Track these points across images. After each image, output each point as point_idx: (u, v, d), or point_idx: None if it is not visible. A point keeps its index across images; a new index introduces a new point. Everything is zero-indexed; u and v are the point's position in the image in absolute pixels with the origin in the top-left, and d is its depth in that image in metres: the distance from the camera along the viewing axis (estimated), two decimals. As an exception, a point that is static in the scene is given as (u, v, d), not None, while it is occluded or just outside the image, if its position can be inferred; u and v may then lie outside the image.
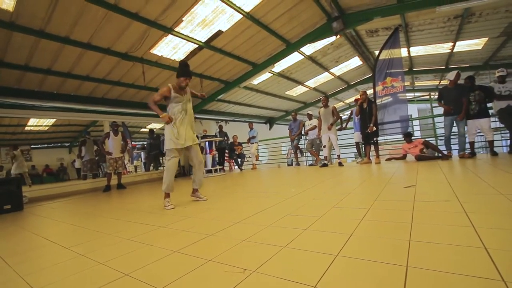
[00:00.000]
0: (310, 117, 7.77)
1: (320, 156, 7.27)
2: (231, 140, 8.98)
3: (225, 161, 9.26)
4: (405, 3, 5.16)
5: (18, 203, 4.37)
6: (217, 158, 8.43)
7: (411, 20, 6.31)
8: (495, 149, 4.92)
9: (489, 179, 2.66)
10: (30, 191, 5.73)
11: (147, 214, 2.78)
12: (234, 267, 1.22)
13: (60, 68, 5.57)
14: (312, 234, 1.56)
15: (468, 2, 4.66)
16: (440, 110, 5.58)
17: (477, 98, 4.79)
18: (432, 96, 13.71)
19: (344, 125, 6.99)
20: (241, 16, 5.29)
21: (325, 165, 6.18)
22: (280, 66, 8.17)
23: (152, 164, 9.13)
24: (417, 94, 14.66)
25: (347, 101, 14.97)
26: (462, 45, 7.48)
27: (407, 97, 8.19)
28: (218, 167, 8.01)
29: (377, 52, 6.47)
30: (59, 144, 14.91)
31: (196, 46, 5.98)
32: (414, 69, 10.12)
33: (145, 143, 10.31)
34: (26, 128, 11.03)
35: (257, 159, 8.97)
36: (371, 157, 6.05)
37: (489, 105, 4.97)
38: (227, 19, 5.34)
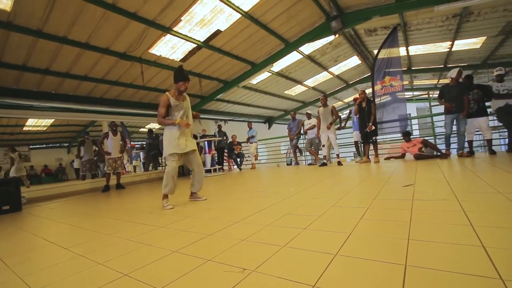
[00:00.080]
0: (309, 116, 7.77)
1: (319, 156, 7.28)
2: (230, 139, 8.98)
3: (224, 161, 9.26)
4: (403, 2, 5.16)
5: (17, 203, 4.35)
6: (216, 158, 8.42)
7: (410, 19, 6.32)
8: (493, 147, 4.93)
9: (488, 177, 2.67)
10: (29, 192, 5.71)
11: (146, 214, 2.77)
12: (233, 267, 1.22)
13: (58, 68, 5.55)
14: (311, 233, 1.56)
15: (466, 1, 4.66)
16: (439, 109, 5.60)
17: (476, 97, 4.80)
18: (430, 95, 13.75)
19: (343, 124, 6.99)
20: (239, 15, 5.28)
21: (324, 164, 6.18)
22: (279, 65, 8.17)
23: (151, 164, 9.12)
24: (415, 93, 14.70)
25: (346, 100, 14.98)
26: (461, 44, 7.49)
27: (406, 96, 8.21)
28: (217, 166, 8.01)
29: (375, 51, 6.47)
30: (57, 144, 14.88)
31: (195, 45, 5.97)
32: (412, 68, 10.13)
33: (144, 143, 10.31)
34: (25, 128, 11.00)
35: (256, 159, 8.97)
36: (370, 156, 6.06)
37: (487, 104, 4.98)
38: (225, 19, 5.33)
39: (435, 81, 11.88)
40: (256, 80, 8.84)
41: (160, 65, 6.42)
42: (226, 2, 4.82)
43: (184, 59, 6.48)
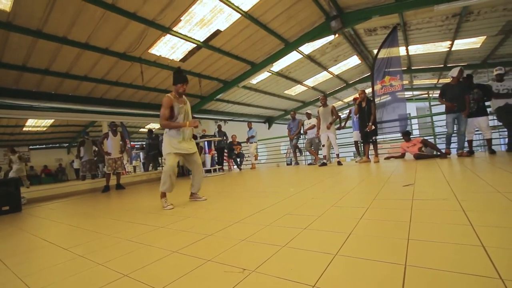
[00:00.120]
0: (309, 116, 7.77)
1: (319, 155, 7.28)
2: (230, 139, 8.98)
3: (224, 161, 9.26)
4: (403, 2, 5.16)
5: (17, 204, 4.35)
6: (216, 158, 8.42)
7: (409, 19, 6.32)
8: (493, 147, 4.93)
9: (487, 177, 2.67)
10: (29, 192, 5.71)
11: (146, 215, 2.77)
12: (233, 267, 1.22)
13: (58, 69, 5.54)
14: (311, 233, 1.56)
15: (466, 1, 4.66)
16: (439, 108, 5.58)
17: (475, 96, 4.79)
18: (430, 95, 13.75)
19: (343, 124, 7.00)
20: (239, 15, 5.28)
21: (324, 164, 6.18)
22: (278, 65, 8.17)
23: (151, 164, 9.12)
24: (415, 92, 14.71)
25: (346, 100, 14.98)
26: (460, 44, 7.49)
27: (406, 96, 8.21)
28: (217, 167, 8.01)
29: (375, 51, 6.47)
30: (57, 145, 14.88)
31: (195, 45, 5.96)
32: (412, 68, 10.13)
33: (144, 143, 10.31)
34: (24, 128, 11.00)
35: (256, 159, 8.97)
36: (370, 156, 6.06)
37: (487, 103, 4.98)
38: (225, 19, 5.33)
39: (435, 81, 11.88)
40: (256, 80, 8.84)
41: (160, 65, 6.42)
42: (226, 2, 4.81)
43: (184, 59, 6.48)
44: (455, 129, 4.98)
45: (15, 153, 7.49)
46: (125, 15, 4.52)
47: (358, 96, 5.93)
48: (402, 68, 6.92)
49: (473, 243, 1.17)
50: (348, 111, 8.07)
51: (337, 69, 9.99)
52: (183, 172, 9.09)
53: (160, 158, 9.01)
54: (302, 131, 7.82)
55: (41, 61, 5.17)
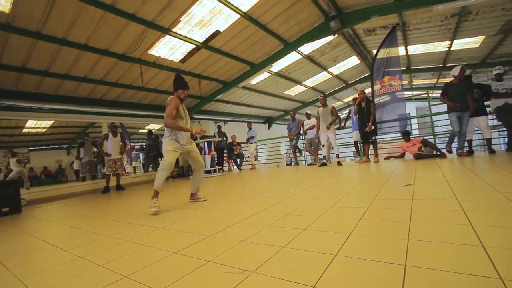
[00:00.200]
0: (308, 116, 7.78)
1: (319, 156, 7.28)
2: (230, 140, 8.98)
3: (224, 161, 9.26)
4: (402, 2, 5.16)
5: (16, 205, 4.35)
6: (216, 159, 8.43)
7: (409, 19, 6.33)
8: (492, 147, 4.93)
9: (487, 177, 2.67)
10: (29, 193, 5.70)
11: (146, 216, 2.77)
12: (233, 268, 1.22)
13: (58, 70, 5.55)
14: (311, 234, 1.56)
15: (465, 1, 4.66)
16: (438, 108, 5.57)
17: (475, 96, 4.79)
18: (430, 95, 13.76)
19: (342, 124, 7.00)
20: (238, 16, 5.29)
21: (324, 164, 6.18)
22: (278, 65, 8.17)
23: (151, 165, 9.12)
24: (415, 92, 14.71)
25: (346, 100, 14.99)
26: (460, 43, 7.50)
27: (405, 96, 8.19)
28: (217, 167, 8.01)
29: (375, 51, 6.48)
30: (57, 146, 14.86)
31: (194, 46, 5.97)
32: (412, 68, 10.14)
33: (144, 144, 10.30)
34: (24, 130, 10.98)
35: (256, 159, 8.97)
36: (369, 156, 6.06)
37: (486, 103, 4.98)
38: (224, 19, 5.33)
39: (434, 81, 11.88)
40: (255, 80, 8.84)
41: (160, 66, 6.42)
42: (225, 2, 4.82)
43: (183, 60, 6.49)
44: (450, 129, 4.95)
45: (15, 156, 7.49)
46: (124, 16, 4.52)
47: (357, 96, 5.94)
48: (402, 68, 6.93)
49: (473, 243, 1.17)
50: (347, 111, 8.09)
51: (336, 69, 10.00)
52: (183, 172, 9.09)
53: (160, 159, 9.01)
54: (301, 132, 7.82)
55: (40, 62, 5.17)
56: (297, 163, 7.92)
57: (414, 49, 8.21)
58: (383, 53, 6.00)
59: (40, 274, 1.48)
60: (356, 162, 6.38)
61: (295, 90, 11.15)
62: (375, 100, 5.99)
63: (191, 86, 7.42)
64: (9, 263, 1.73)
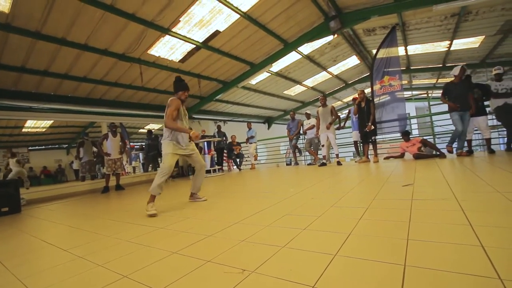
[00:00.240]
0: (308, 116, 7.78)
1: (318, 156, 7.28)
2: (229, 140, 8.98)
3: (224, 161, 9.26)
4: (402, 2, 5.16)
5: (16, 205, 4.35)
6: (215, 158, 8.42)
7: (408, 19, 6.33)
8: (492, 146, 4.94)
9: (487, 177, 2.67)
10: (28, 193, 5.70)
11: (145, 216, 2.75)
12: (233, 268, 1.22)
13: (57, 70, 5.54)
14: (310, 233, 1.56)
15: (464, 1, 4.67)
16: (438, 108, 5.56)
17: (475, 96, 4.79)
18: (429, 95, 13.77)
19: (342, 124, 7.00)
20: (238, 16, 5.28)
21: (323, 164, 6.18)
22: (278, 65, 8.17)
23: (150, 165, 9.11)
24: (414, 92, 14.73)
25: (345, 100, 15.00)
26: (459, 43, 7.51)
27: (405, 96, 8.19)
28: (216, 167, 8.01)
29: (374, 51, 6.48)
30: (57, 146, 14.85)
31: (194, 46, 5.96)
32: (411, 68, 10.15)
33: (143, 143, 10.30)
34: (24, 129, 10.97)
35: (255, 159, 8.97)
36: (369, 156, 6.07)
37: (486, 103, 4.99)
38: (224, 19, 5.33)
39: (434, 81, 11.89)
40: (255, 80, 8.84)
41: (159, 66, 6.42)
42: (225, 2, 4.82)
43: (183, 60, 6.48)
44: (451, 129, 4.92)
45: (14, 156, 7.49)
46: (124, 16, 4.52)
47: (357, 96, 5.94)
48: (401, 68, 6.92)
49: (473, 243, 1.17)
50: (347, 111, 8.09)
51: (336, 69, 10.00)
52: (183, 173, 9.09)
53: (159, 159, 9.00)
54: (301, 131, 7.83)
55: (40, 62, 5.17)
56: (296, 163, 7.92)
57: (414, 49, 8.22)
58: (382, 53, 6.01)
59: (40, 274, 1.48)
60: (355, 162, 6.39)
61: (295, 90, 11.16)
62: (374, 100, 6.00)
63: (190, 86, 7.40)
64: (9, 263, 1.73)
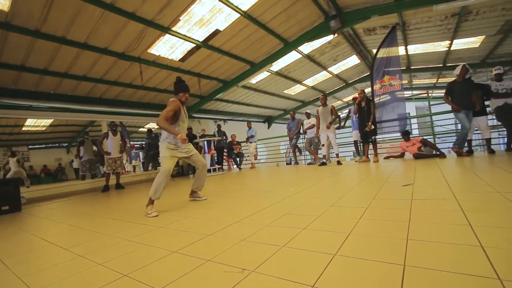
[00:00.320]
0: (308, 116, 7.77)
1: (318, 155, 7.28)
2: (229, 139, 8.97)
3: (224, 160, 9.26)
4: (402, 2, 5.16)
5: (16, 204, 4.35)
6: (215, 158, 8.42)
7: (409, 19, 6.33)
8: (492, 147, 4.93)
9: (487, 177, 2.68)
10: (28, 192, 5.70)
11: (145, 215, 2.77)
12: (232, 267, 1.22)
13: (57, 68, 5.54)
14: (310, 233, 1.56)
15: (465, 1, 4.66)
16: (438, 108, 5.53)
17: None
18: (430, 94, 13.76)
19: (342, 123, 7.00)
20: (238, 15, 5.28)
21: (323, 163, 6.19)
22: (278, 65, 8.17)
23: (150, 164, 9.12)
24: (415, 92, 14.71)
25: (345, 99, 14.99)
26: (460, 43, 7.50)
27: (405, 95, 8.19)
28: (216, 166, 8.01)
29: (374, 51, 6.47)
30: (57, 144, 14.86)
31: (194, 45, 5.96)
32: (412, 67, 10.14)
33: (143, 142, 10.30)
34: (24, 128, 10.98)
35: (255, 158, 8.97)
36: (369, 156, 6.07)
37: (486, 103, 4.98)
38: (224, 18, 5.32)
39: (434, 80, 11.89)
40: (255, 79, 8.84)
41: (159, 65, 6.42)
42: (225, 1, 4.81)
43: (183, 59, 6.48)
44: (451, 129, 4.90)
45: (14, 156, 7.49)
46: (124, 15, 4.51)
47: (357, 95, 5.94)
48: (402, 68, 6.93)
49: (472, 243, 1.17)
50: (347, 110, 8.09)
51: (336, 68, 10.00)
52: (183, 172, 9.09)
53: (159, 158, 9.00)
54: (301, 131, 7.83)
55: (40, 61, 5.16)
56: (296, 163, 7.93)
57: (414, 48, 8.21)
58: (383, 53, 6.00)
59: (40, 273, 1.48)
60: (355, 161, 6.39)
61: (295, 90, 11.15)
62: (375, 99, 5.99)
63: (190, 85, 7.42)
64: (9, 261, 1.73)
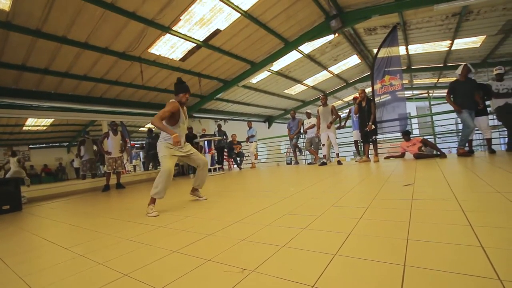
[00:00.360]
0: (308, 115, 7.77)
1: (319, 155, 7.28)
2: (230, 139, 8.98)
3: (224, 160, 9.26)
4: (403, 1, 5.15)
5: (17, 203, 4.36)
6: (216, 157, 8.43)
7: (409, 18, 6.32)
8: (493, 147, 4.93)
9: (487, 177, 2.67)
10: (29, 191, 5.71)
11: (146, 214, 2.77)
12: (233, 267, 1.22)
13: (58, 68, 5.54)
14: (310, 233, 1.56)
15: (465, 0, 4.65)
16: (438, 107, 5.52)
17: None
18: (430, 94, 13.74)
19: (343, 123, 7.00)
20: (239, 14, 5.28)
21: (324, 163, 6.19)
22: (278, 64, 8.17)
23: (151, 164, 9.13)
24: (415, 92, 14.70)
25: (346, 99, 14.98)
26: (460, 43, 7.49)
27: (406, 95, 8.17)
28: (217, 166, 8.01)
29: (375, 50, 6.47)
30: (57, 144, 14.87)
31: (194, 45, 5.96)
32: (412, 67, 10.13)
33: (144, 142, 10.31)
34: (24, 128, 11.00)
35: (256, 158, 8.98)
36: (369, 156, 6.07)
37: (487, 103, 4.97)
38: (225, 18, 5.32)
39: (435, 80, 11.87)
40: (255, 79, 8.84)
41: (160, 65, 6.42)
42: (226, 1, 4.81)
43: (183, 59, 6.48)
44: (451, 129, 4.89)
45: (15, 155, 7.50)
46: (124, 15, 4.52)
47: (358, 95, 5.93)
48: (402, 68, 6.91)
49: (472, 243, 1.17)
50: (348, 110, 8.08)
51: (337, 68, 9.99)
52: (183, 172, 9.10)
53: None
54: (302, 131, 7.82)
55: (40, 60, 5.17)
56: (297, 162, 7.92)
57: (415, 48, 8.20)
58: (383, 53, 5.99)
59: (41, 272, 1.48)
60: (356, 161, 6.39)
61: (296, 89, 11.15)
62: (375, 99, 5.99)
63: (191, 84, 7.46)
64: (10, 261, 1.74)
